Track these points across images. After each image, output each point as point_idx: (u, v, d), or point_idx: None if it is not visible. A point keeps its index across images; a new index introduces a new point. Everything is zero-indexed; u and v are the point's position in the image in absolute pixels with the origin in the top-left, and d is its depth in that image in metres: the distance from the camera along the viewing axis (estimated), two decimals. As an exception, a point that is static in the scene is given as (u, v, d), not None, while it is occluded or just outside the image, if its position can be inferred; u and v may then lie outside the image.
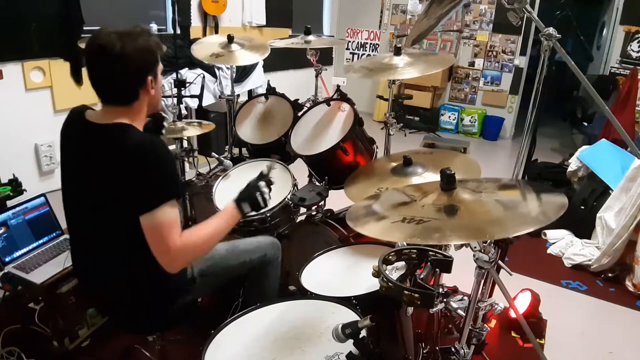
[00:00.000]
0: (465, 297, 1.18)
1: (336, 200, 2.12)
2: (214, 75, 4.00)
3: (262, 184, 1.45)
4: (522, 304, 2.23)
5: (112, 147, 1.21)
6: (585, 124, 5.27)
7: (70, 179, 1.36)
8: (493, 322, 2.23)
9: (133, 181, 1.18)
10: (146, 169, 1.19)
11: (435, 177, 1.57)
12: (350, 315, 1.29)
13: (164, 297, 1.39)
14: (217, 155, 2.41)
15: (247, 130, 2.49)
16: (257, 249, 1.65)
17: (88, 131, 1.27)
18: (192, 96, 2.94)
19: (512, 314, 2.20)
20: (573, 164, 3.64)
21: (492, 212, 1.04)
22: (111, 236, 1.30)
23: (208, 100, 3.95)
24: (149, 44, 1.24)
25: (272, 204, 1.93)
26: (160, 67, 1.31)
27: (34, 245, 1.96)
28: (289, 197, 1.97)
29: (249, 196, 1.41)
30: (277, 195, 2.00)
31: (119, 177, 1.20)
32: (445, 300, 1.11)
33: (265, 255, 1.65)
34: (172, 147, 2.17)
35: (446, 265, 1.17)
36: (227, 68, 4.01)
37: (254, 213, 1.45)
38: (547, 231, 3.26)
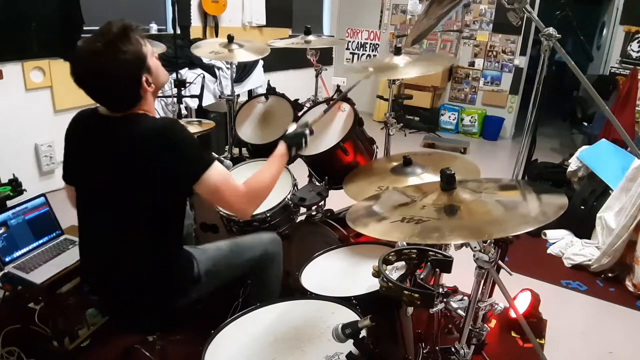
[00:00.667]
0: (465, 297, 1.19)
1: (336, 200, 2.12)
2: (214, 75, 4.00)
3: (307, 131, 1.63)
4: (522, 304, 2.23)
5: (133, 135, 1.24)
6: (585, 124, 5.27)
7: (85, 173, 1.35)
8: (493, 322, 2.23)
9: (171, 159, 1.22)
10: (177, 145, 1.24)
11: (435, 177, 1.58)
12: (350, 315, 1.29)
13: (169, 297, 1.39)
14: (217, 155, 2.40)
15: (247, 130, 2.49)
16: (259, 245, 1.65)
17: (104, 123, 1.29)
18: (192, 96, 2.95)
19: (512, 314, 2.20)
20: (573, 164, 3.64)
21: (492, 212, 1.04)
22: (122, 235, 1.31)
23: (208, 100, 3.95)
24: (128, 50, 1.20)
25: (271, 204, 1.93)
26: (150, 53, 1.28)
27: (34, 245, 1.96)
28: (289, 197, 1.97)
29: (297, 140, 1.59)
30: (277, 195, 2.00)
31: (149, 162, 1.22)
32: (445, 300, 1.11)
33: (266, 251, 1.65)
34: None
35: (446, 265, 1.17)
36: (227, 68, 4.01)
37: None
38: (547, 231, 3.26)
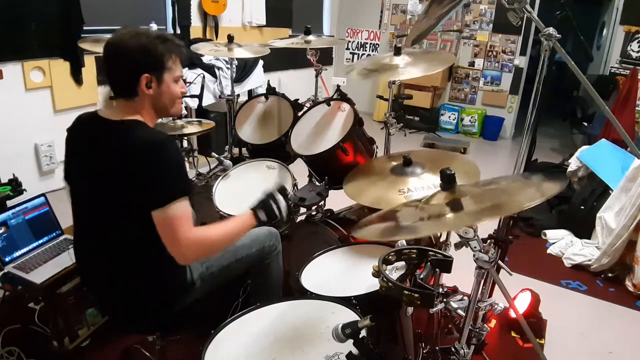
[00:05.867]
0: (465, 297, 1.18)
1: (336, 200, 2.12)
2: (214, 75, 3.99)
3: (279, 195, 1.46)
4: (522, 304, 2.23)
5: (125, 142, 1.25)
6: (585, 124, 5.27)
7: (79, 176, 1.38)
8: (493, 322, 2.23)
9: (145, 177, 1.21)
10: (157, 165, 1.22)
11: (434, 178, 1.58)
12: (350, 315, 1.29)
13: (163, 301, 1.39)
14: (217, 155, 2.41)
15: (247, 130, 2.49)
16: (254, 242, 1.63)
17: (100, 126, 1.31)
18: (192, 96, 2.95)
19: (512, 314, 2.20)
20: (573, 164, 3.64)
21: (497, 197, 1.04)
22: (115, 237, 1.31)
23: (208, 100, 3.95)
24: (150, 44, 1.27)
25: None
26: (173, 74, 1.34)
27: (34, 245, 1.96)
28: (289, 197, 1.97)
29: (266, 206, 1.43)
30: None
31: (131, 172, 1.23)
32: (445, 300, 1.11)
33: (263, 248, 1.64)
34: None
35: (446, 265, 1.17)
36: (227, 68, 4.01)
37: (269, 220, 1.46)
38: (547, 231, 3.26)
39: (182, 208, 1.23)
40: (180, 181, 1.26)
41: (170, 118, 2.50)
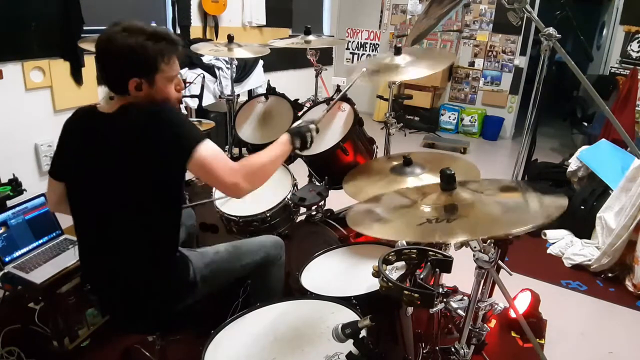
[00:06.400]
0: (465, 297, 1.18)
1: (336, 200, 2.12)
2: (214, 75, 3.99)
3: (313, 127, 1.56)
4: (522, 304, 2.23)
5: (124, 125, 1.24)
6: (585, 124, 5.27)
7: (76, 172, 1.34)
8: (493, 322, 2.23)
9: (159, 143, 1.21)
10: (169, 124, 1.23)
11: (435, 178, 1.58)
12: (350, 315, 1.29)
13: (164, 301, 1.39)
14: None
15: (247, 130, 2.49)
16: (260, 249, 1.62)
17: (97, 120, 1.30)
18: (192, 96, 2.95)
19: (512, 314, 2.20)
20: (573, 164, 3.64)
21: (492, 212, 1.04)
22: (116, 235, 1.31)
23: (208, 100, 3.95)
24: (139, 47, 1.22)
25: (271, 204, 1.93)
26: (166, 74, 1.29)
27: (34, 245, 1.96)
28: (288, 197, 1.97)
29: (302, 133, 1.51)
30: (277, 195, 2.00)
31: (142, 145, 1.21)
32: (445, 300, 1.11)
33: (268, 256, 1.63)
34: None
35: (446, 265, 1.17)
36: (227, 68, 4.01)
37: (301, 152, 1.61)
38: (547, 231, 3.26)
39: (209, 148, 1.24)
40: (193, 131, 1.26)
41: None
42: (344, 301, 1.34)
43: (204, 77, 3.77)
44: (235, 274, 1.58)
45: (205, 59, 3.93)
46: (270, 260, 1.65)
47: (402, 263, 1.23)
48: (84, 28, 3.32)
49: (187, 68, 3.77)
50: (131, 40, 1.21)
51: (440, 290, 1.07)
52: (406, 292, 1.04)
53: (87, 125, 1.33)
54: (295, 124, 1.59)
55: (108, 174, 1.27)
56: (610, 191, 3.06)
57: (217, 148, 1.28)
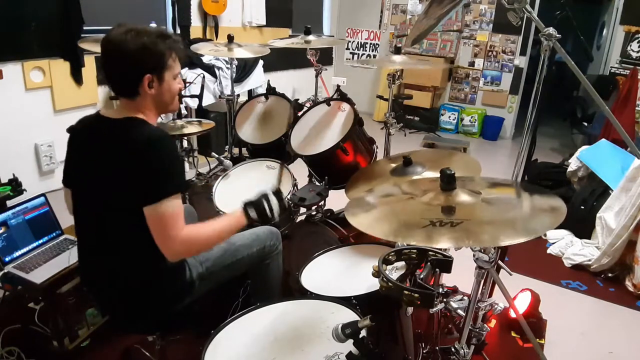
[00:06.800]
0: (465, 297, 1.19)
1: (336, 200, 2.12)
2: (214, 75, 3.99)
3: (272, 196, 1.44)
4: (522, 304, 2.23)
5: (123, 139, 1.26)
6: (585, 124, 5.27)
7: (79, 175, 1.38)
8: (493, 322, 2.23)
9: (140, 172, 1.22)
10: (153, 162, 1.23)
11: (435, 175, 1.58)
12: (350, 315, 1.29)
13: (163, 301, 1.39)
14: (217, 155, 2.41)
15: (247, 130, 2.49)
16: (255, 242, 1.62)
17: (103, 126, 1.32)
18: (192, 96, 2.94)
19: (512, 314, 2.20)
20: (573, 164, 3.64)
21: (486, 220, 1.04)
22: (115, 236, 1.32)
23: (208, 100, 3.95)
24: (151, 44, 1.27)
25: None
26: (173, 71, 1.35)
27: (34, 245, 1.96)
28: (289, 197, 1.97)
29: (256, 203, 1.42)
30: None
31: (127, 169, 1.24)
32: (445, 300, 1.11)
33: (264, 248, 1.63)
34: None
35: (446, 265, 1.18)
36: (227, 68, 4.01)
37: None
38: (547, 231, 3.26)
39: (173, 206, 1.23)
40: (174, 179, 1.26)
41: (170, 117, 2.51)
42: (344, 301, 1.35)
43: (204, 77, 3.76)
44: (232, 270, 1.58)
45: (205, 59, 3.93)
46: (267, 252, 1.65)
47: (402, 263, 1.23)
48: (84, 28, 3.33)
49: (187, 68, 3.77)
50: (142, 39, 1.25)
51: (440, 290, 1.07)
52: (406, 292, 1.04)
53: (92, 130, 1.36)
54: (252, 196, 1.45)
55: (106, 177, 1.28)
56: (610, 191, 3.06)
57: (181, 208, 1.26)
